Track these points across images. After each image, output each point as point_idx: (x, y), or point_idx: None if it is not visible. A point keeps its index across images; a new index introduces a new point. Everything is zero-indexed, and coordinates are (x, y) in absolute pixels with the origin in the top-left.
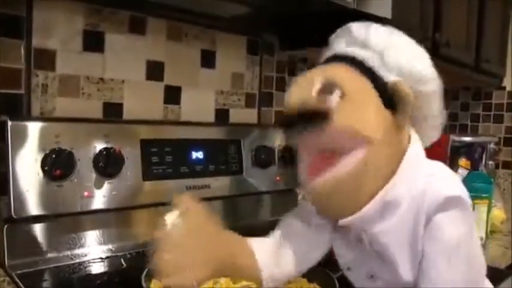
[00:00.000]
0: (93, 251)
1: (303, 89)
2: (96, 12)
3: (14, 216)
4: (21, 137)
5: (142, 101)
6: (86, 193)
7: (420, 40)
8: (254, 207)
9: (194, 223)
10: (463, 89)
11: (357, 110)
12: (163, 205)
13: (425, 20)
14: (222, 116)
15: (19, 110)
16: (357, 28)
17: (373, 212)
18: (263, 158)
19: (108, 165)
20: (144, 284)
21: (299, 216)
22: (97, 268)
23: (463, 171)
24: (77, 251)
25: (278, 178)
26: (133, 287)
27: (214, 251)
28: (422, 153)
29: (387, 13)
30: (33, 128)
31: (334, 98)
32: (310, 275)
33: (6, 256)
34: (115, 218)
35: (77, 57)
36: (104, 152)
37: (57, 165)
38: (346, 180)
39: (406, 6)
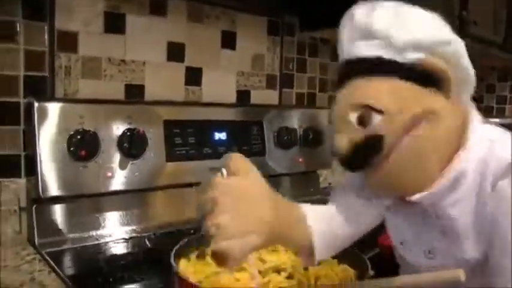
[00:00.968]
0: (117, 231)
1: (344, 128)
2: None
3: (42, 197)
4: (47, 119)
5: (163, 82)
6: (109, 174)
7: (446, 19)
8: (276, 189)
9: (246, 185)
10: (489, 70)
11: (400, 114)
12: (186, 186)
13: None
14: (243, 97)
15: (43, 92)
16: (360, 16)
17: (445, 186)
18: (285, 139)
19: (132, 146)
20: (173, 263)
21: (349, 190)
22: (122, 248)
23: None
24: (102, 231)
25: (300, 160)
26: (159, 267)
27: (269, 217)
28: (480, 119)
29: None
30: (59, 110)
31: (376, 120)
32: (340, 256)
33: (36, 235)
34: (138, 198)
35: (98, 39)
36: (128, 133)
37: (82, 146)
38: (410, 157)
39: None
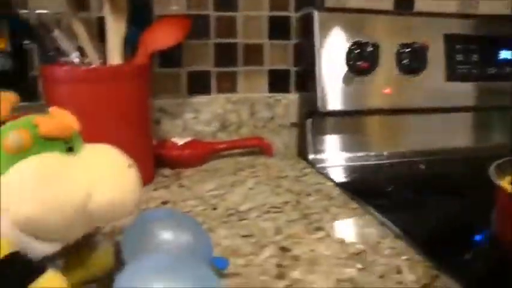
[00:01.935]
0: (389, 152)
1: None
2: None
3: (320, 110)
4: (326, 30)
5: None
6: (387, 90)
7: None
8: None
9: None
10: None
11: None
12: (463, 110)
13: None
14: None
15: (313, 3)
16: None
17: None
18: None
19: (411, 61)
20: (493, 178)
21: None
22: (396, 170)
23: None
24: (381, 150)
25: None
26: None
27: None
28: None
29: None
30: (339, 20)
31: None
32: None
33: (308, 150)
34: (414, 119)
35: None
36: (408, 48)
37: (361, 59)
38: None
39: None
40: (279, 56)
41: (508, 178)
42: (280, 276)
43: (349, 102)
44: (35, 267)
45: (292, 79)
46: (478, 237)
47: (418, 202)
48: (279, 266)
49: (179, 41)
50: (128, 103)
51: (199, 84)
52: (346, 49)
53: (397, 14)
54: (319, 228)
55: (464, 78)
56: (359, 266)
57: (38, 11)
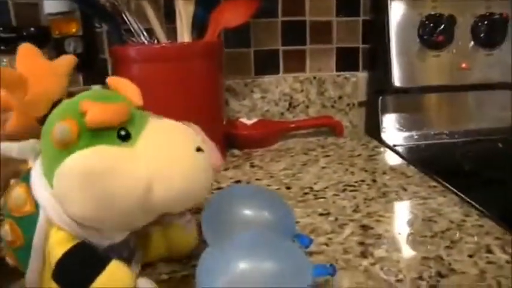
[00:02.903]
0: (464, 129)
1: None
2: None
3: (393, 87)
4: (398, 4)
5: None
6: (463, 65)
7: None
8: None
9: None
10: None
11: None
12: None
13: None
14: None
15: None
16: None
17: None
18: None
19: (489, 34)
20: None
21: None
22: (472, 148)
23: None
24: (454, 128)
25: None
26: None
27: None
28: None
29: None
30: None
31: None
32: None
33: (381, 128)
34: (491, 95)
35: None
36: (485, 20)
37: (436, 33)
38: None
39: None
40: (347, 33)
41: None
42: (365, 254)
43: (422, 79)
44: (100, 257)
45: (361, 57)
46: None
47: (499, 181)
48: (361, 244)
49: (247, 20)
50: (199, 82)
51: (267, 64)
52: (418, 23)
53: None
54: (398, 207)
55: None
56: (446, 244)
57: None
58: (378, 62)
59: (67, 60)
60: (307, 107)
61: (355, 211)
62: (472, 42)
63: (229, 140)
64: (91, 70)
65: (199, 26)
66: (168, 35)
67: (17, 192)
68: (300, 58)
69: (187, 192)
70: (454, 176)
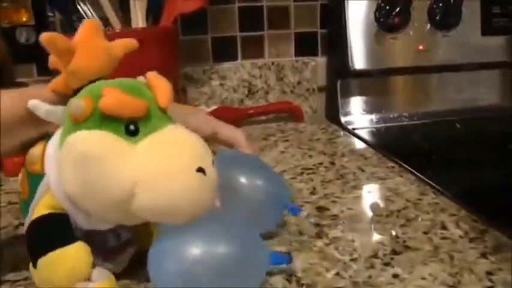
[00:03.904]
0: (423, 111)
1: None
2: None
3: (351, 70)
4: None
5: None
6: (420, 47)
7: None
8: None
9: None
10: None
11: None
12: (504, 65)
13: None
14: None
15: None
16: None
17: None
18: None
19: (445, 16)
20: None
21: None
22: (430, 129)
23: None
24: (414, 110)
25: None
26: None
27: None
28: None
29: None
30: None
31: None
32: None
33: (340, 112)
34: (448, 76)
35: None
36: (441, 3)
37: (392, 15)
38: None
39: None
40: (305, 18)
41: None
42: (319, 235)
43: (381, 61)
44: (67, 235)
45: (319, 42)
46: None
47: (456, 160)
48: (317, 225)
49: (204, 5)
50: (153, 69)
51: (224, 50)
52: (375, 6)
53: None
54: (356, 187)
55: (500, 31)
56: (401, 222)
57: None
58: (336, 46)
59: (124, 43)
60: (267, 93)
61: (312, 193)
62: (429, 25)
63: None
64: (45, 61)
65: (154, 12)
66: (125, 23)
67: (35, 149)
68: (258, 44)
69: (172, 210)
70: (411, 156)
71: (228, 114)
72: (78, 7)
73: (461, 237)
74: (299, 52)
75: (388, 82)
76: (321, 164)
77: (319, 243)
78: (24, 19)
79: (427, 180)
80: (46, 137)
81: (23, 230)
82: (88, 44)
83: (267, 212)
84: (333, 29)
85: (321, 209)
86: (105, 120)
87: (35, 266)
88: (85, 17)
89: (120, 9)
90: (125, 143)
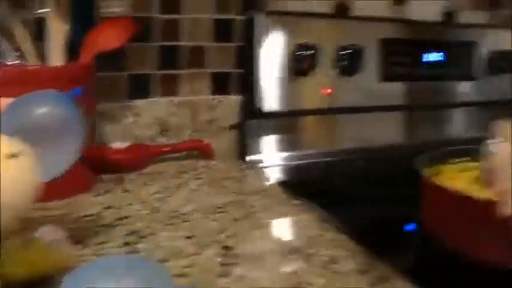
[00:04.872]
0: (327, 150)
1: None
2: None
3: (259, 111)
4: (267, 33)
5: None
6: (326, 90)
7: None
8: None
9: None
10: None
11: None
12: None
13: None
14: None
15: (255, 6)
16: None
17: None
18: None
19: (350, 62)
20: (420, 169)
21: None
22: (334, 167)
23: None
24: (320, 149)
25: None
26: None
27: None
28: None
29: None
30: (279, 23)
31: None
32: None
33: (248, 150)
34: (351, 118)
35: None
36: (346, 50)
37: (301, 61)
38: None
39: None
40: (221, 58)
41: (433, 169)
42: (224, 273)
43: (289, 103)
44: None
45: (234, 81)
46: (410, 228)
47: (355, 198)
48: (222, 264)
49: (124, 43)
50: None
51: (140, 88)
52: (287, 51)
53: (336, 17)
54: (262, 226)
55: (397, 78)
56: (302, 258)
57: None
58: (248, 86)
59: None
60: (180, 131)
61: (219, 232)
62: (335, 70)
63: (101, 164)
64: None
65: (75, 47)
66: (42, 56)
67: None
68: (174, 82)
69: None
70: (316, 194)
71: (141, 151)
72: None
73: (352, 270)
74: (215, 91)
75: (295, 123)
76: (230, 202)
77: (223, 281)
78: None
79: (328, 217)
80: None
81: None
82: None
83: None
84: (246, 70)
85: (227, 248)
86: None
87: None
88: None
89: (36, 43)
90: None
